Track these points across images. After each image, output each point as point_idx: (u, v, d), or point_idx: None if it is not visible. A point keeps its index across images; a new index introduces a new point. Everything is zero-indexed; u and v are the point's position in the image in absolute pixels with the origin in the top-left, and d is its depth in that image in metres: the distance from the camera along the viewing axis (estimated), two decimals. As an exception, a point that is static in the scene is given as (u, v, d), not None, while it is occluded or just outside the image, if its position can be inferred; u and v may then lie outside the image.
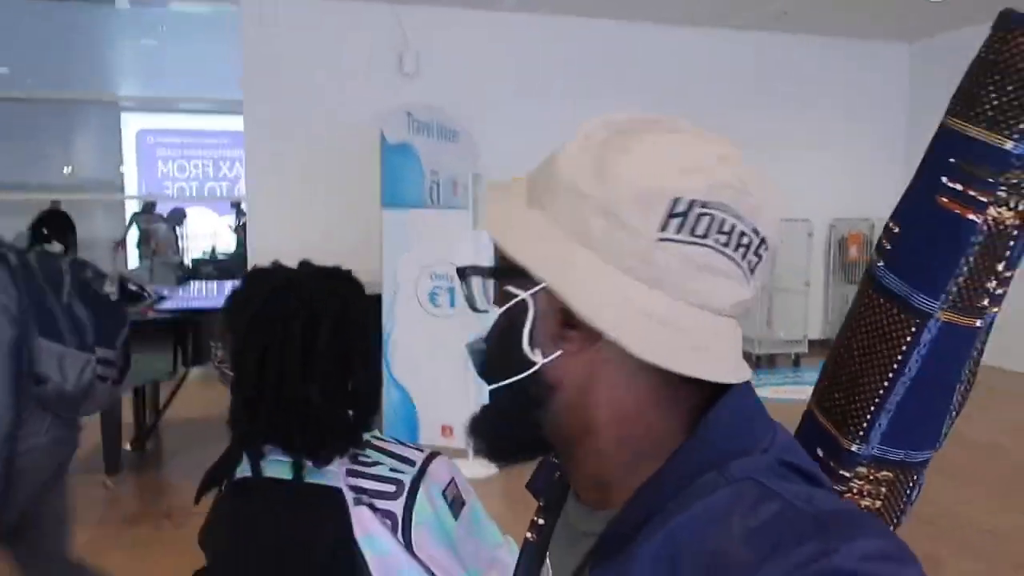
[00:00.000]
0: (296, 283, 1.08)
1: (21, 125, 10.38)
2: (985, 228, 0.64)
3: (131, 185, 11.82)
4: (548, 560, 0.65)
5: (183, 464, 4.43)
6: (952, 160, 0.64)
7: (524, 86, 6.78)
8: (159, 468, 4.53)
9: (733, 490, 0.50)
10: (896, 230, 0.68)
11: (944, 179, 0.64)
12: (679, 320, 0.51)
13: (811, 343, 7.05)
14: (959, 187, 0.64)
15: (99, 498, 4.01)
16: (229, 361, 1.10)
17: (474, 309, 0.62)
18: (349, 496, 1.04)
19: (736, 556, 0.46)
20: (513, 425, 0.59)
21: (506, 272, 0.56)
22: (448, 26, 6.69)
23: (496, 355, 0.59)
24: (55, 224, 4.35)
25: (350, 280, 1.14)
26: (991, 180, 0.63)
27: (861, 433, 0.69)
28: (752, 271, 0.53)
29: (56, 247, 4.30)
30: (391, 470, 1.07)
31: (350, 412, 1.10)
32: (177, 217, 9.10)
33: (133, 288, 4.68)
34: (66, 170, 11.38)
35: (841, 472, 0.70)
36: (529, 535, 0.69)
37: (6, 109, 9.92)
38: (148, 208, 9.33)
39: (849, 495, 0.70)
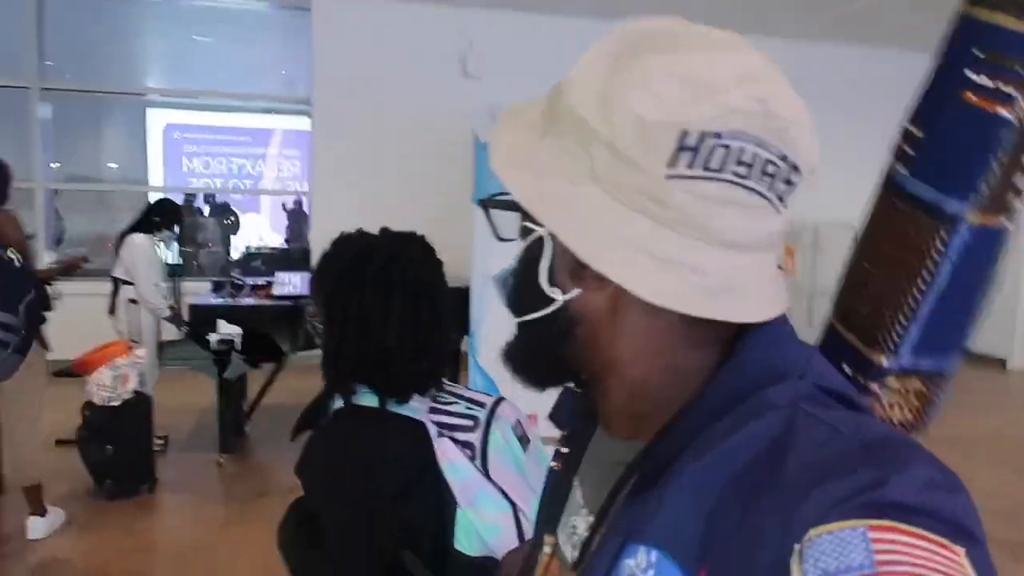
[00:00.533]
0: (376, 247, 1.23)
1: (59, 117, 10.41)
2: (1016, 122, 0.60)
3: (155, 179, 11.87)
4: (577, 489, 0.64)
5: (284, 444, 4.57)
6: (976, 51, 0.61)
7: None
8: (265, 448, 4.66)
9: (775, 417, 0.48)
10: (919, 134, 0.65)
11: (969, 73, 0.61)
12: (694, 261, 0.48)
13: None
14: (987, 81, 0.60)
15: (219, 475, 4.17)
16: (321, 315, 1.25)
17: (499, 239, 0.61)
18: (432, 429, 1.18)
19: (782, 484, 0.44)
20: (540, 357, 0.59)
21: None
22: (511, 30, 6.90)
23: (519, 290, 0.58)
24: (166, 213, 4.52)
25: (423, 244, 1.28)
26: (1021, 71, 0.60)
27: (891, 346, 0.67)
28: (782, 199, 0.49)
29: (166, 234, 4.46)
30: (467, 408, 1.22)
31: (424, 359, 1.24)
32: (224, 211, 9.21)
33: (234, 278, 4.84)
34: (112, 165, 11.41)
35: (869, 385, 0.69)
36: (554, 464, 0.69)
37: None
38: (188, 202, 9.43)
39: (880, 409, 0.69)
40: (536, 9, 6.86)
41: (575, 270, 0.52)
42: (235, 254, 9.78)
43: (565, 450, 0.67)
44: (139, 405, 3.78)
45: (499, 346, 0.61)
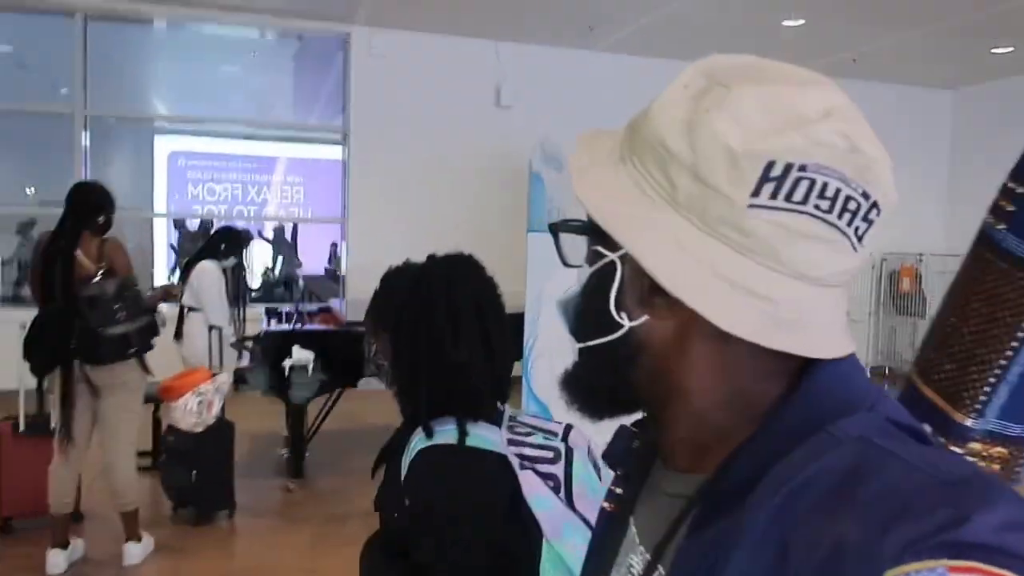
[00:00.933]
0: (431, 270, 1.27)
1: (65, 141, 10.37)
2: None
3: (160, 205, 11.87)
4: (632, 527, 0.62)
5: (345, 469, 4.60)
6: None
7: (613, 123, 7.21)
8: (327, 473, 4.67)
9: (848, 451, 0.47)
10: (1020, 190, 0.64)
11: None
12: (770, 291, 0.48)
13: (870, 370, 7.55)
14: None
15: (289, 500, 4.21)
16: (383, 352, 1.26)
17: (565, 264, 0.60)
18: (515, 462, 1.19)
19: (857, 522, 0.42)
20: (602, 384, 0.58)
21: (596, 230, 0.54)
22: (543, 63, 7.10)
23: (584, 315, 0.57)
24: (232, 240, 4.60)
25: (473, 262, 1.31)
26: None
27: (978, 407, 0.65)
28: (860, 238, 0.49)
29: (231, 261, 4.53)
30: (545, 439, 1.24)
31: (495, 371, 1.26)
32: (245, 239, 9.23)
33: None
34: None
35: (952, 447, 0.66)
36: (607, 505, 0.68)
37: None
38: (204, 229, 9.45)
39: None
40: (566, 44, 7.08)
41: (645, 296, 0.52)
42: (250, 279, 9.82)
43: (619, 491, 0.66)
44: (222, 431, 3.82)
45: (557, 373, 0.60)
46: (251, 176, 12.26)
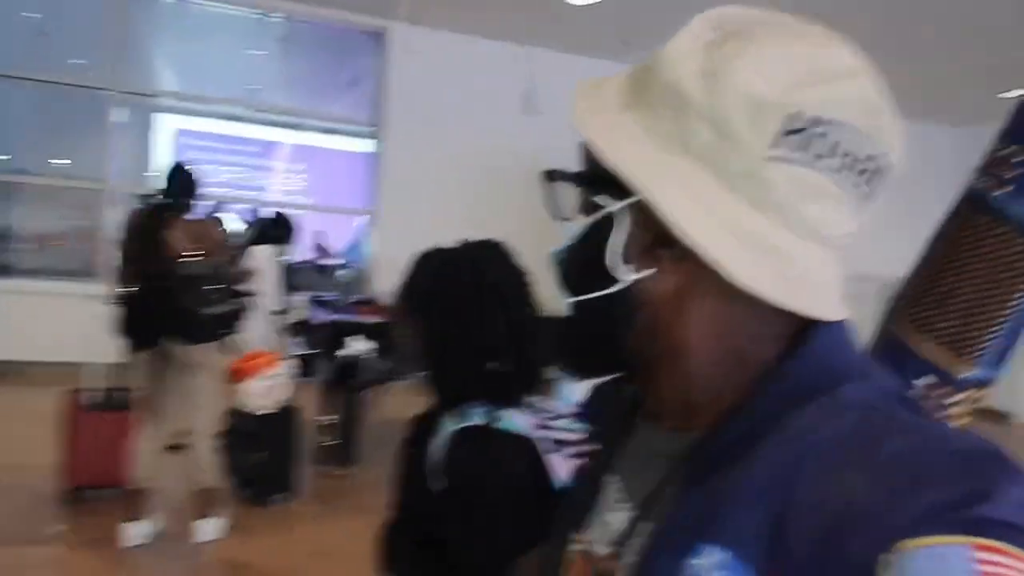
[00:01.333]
0: (463, 254, 1.27)
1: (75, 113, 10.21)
2: None
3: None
4: (611, 485, 0.61)
5: (389, 459, 4.67)
6: None
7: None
8: (371, 463, 4.72)
9: (853, 417, 0.46)
10: (1020, 158, 0.67)
11: None
12: (783, 247, 0.47)
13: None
14: None
15: (341, 487, 4.30)
16: (414, 335, 1.27)
17: (555, 217, 0.57)
18: (541, 446, 1.21)
19: (866, 488, 0.41)
20: (593, 341, 0.56)
21: (596, 180, 0.52)
22: (572, 71, 7.24)
23: (579, 268, 0.55)
24: (280, 227, 4.65)
25: (504, 248, 1.33)
26: None
27: (978, 358, 0.69)
28: (866, 200, 0.49)
29: (282, 247, 4.60)
30: (569, 424, 1.35)
31: (526, 357, 1.26)
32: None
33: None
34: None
35: (951, 399, 0.70)
36: (581, 464, 0.68)
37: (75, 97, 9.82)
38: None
39: (948, 418, 0.69)
40: (597, 55, 7.23)
41: (648, 249, 0.51)
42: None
43: (594, 449, 0.66)
44: (289, 415, 3.89)
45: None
46: (254, 160, 12.20)
